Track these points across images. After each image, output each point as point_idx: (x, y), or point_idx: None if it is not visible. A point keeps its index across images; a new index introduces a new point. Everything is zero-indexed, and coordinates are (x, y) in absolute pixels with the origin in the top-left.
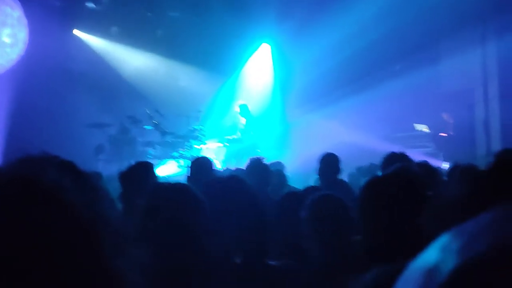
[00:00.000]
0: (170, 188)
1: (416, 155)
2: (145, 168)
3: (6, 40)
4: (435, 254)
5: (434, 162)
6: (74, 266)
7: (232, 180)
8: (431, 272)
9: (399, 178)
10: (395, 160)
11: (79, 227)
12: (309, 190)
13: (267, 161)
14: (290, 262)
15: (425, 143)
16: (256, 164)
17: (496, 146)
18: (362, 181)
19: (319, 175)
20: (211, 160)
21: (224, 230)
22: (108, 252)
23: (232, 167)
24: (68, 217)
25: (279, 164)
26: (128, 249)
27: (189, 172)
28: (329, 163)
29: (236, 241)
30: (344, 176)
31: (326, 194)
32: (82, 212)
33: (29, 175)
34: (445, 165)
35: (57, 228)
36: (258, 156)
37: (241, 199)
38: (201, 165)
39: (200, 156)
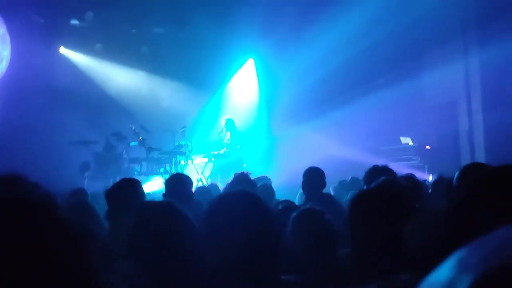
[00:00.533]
0: (155, 205)
1: (402, 168)
2: (131, 185)
3: None
4: (450, 269)
5: (419, 174)
6: (63, 279)
7: (245, 194)
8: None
9: (385, 191)
10: (378, 173)
11: (67, 243)
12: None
13: (253, 175)
14: (297, 277)
15: (410, 156)
16: (241, 179)
17: (480, 157)
18: (345, 195)
19: (303, 189)
20: (187, 176)
21: (229, 245)
22: (96, 266)
23: (218, 182)
24: (57, 233)
25: (265, 178)
26: (116, 263)
27: (165, 189)
28: (313, 177)
29: (247, 256)
30: (330, 190)
31: (307, 209)
32: (71, 228)
33: (20, 193)
34: (431, 178)
35: (46, 243)
36: (242, 171)
37: (252, 213)
38: (177, 181)
39: (176, 173)
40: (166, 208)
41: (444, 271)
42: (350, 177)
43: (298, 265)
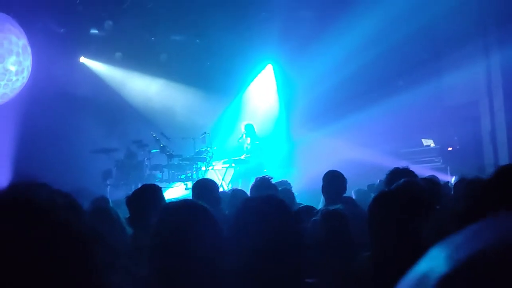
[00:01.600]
0: (180, 203)
1: (424, 170)
2: (152, 191)
3: (12, 68)
4: (426, 263)
5: (442, 176)
6: (67, 280)
7: (271, 199)
8: (421, 280)
9: (405, 192)
10: (399, 175)
11: (71, 244)
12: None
13: (273, 180)
14: (318, 281)
15: (433, 157)
16: (263, 183)
17: (504, 157)
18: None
19: (323, 193)
20: (213, 181)
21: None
22: (101, 267)
23: (239, 187)
24: (60, 234)
25: (285, 183)
26: (123, 264)
27: (192, 194)
28: (333, 181)
29: (274, 259)
30: (351, 194)
31: (327, 212)
32: (75, 230)
33: (24, 196)
34: (453, 179)
35: (50, 245)
36: (264, 175)
37: (279, 217)
38: (204, 187)
39: (202, 178)
40: (191, 206)
41: (421, 265)
42: (378, 181)
43: (317, 268)
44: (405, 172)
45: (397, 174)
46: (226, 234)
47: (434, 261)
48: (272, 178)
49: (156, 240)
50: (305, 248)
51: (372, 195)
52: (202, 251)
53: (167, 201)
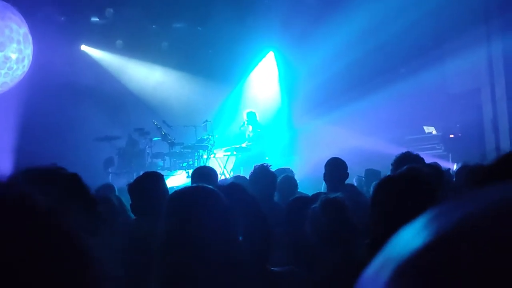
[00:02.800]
0: (191, 190)
1: (426, 157)
2: (154, 178)
3: (12, 56)
4: (384, 253)
5: (443, 163)
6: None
7: (232, 187)
8: (375, 274)
9: (408, 177)
10: (407, 160)
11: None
12: (316, 195)
13: (275, 167)
14: (293, 268)
15: (434, 145)
16: (261, 171)
17: (505, 145)
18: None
19: (325, 180)
20: (212, 168)
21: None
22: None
23: (241, 175)
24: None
25: (287, 170)
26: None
27: (191, 182)
28: (335, 168)
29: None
30: (353, 181)
31: (327, 199)
32: (73, 243)
33: (24, 198)
34: (455, 167)
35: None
36: (262, 163)
37: (243, 206)
38: (203, 174)
39: (201, 165)
40: (200, 191)
41: (380, 254)
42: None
43: (316, 255)
44: (414, 158)
45: (405, 159)
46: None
47: (385, 255)
48: (270, 165)
49: (167, 228)
50: (270, 234)
51: (371, 181)
52: (215, 240)
53: (174, 189)
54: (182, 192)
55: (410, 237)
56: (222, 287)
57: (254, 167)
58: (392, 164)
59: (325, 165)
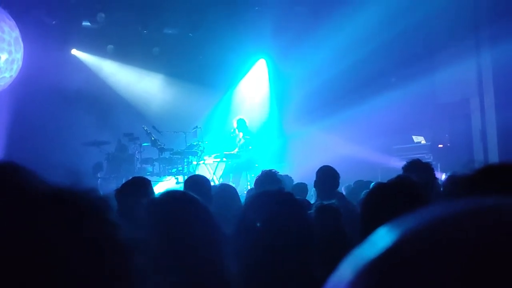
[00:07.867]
0: (169, 196)
1: None
2: (142, 184)
3: (2, 56)
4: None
5: None
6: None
7: (280, 194)
8: (341, 275)
9: (398, 186)
10: (416, 168)
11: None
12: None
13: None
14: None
15: (423, 154)
16: (267, 176)
17: (494, 155)
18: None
19: (315, 187)
20: (205, 177)
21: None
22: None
23: (230, 182)
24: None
25: (287, 177)
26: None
27: (184, 190)
28: (326, 176)
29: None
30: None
31: (323, 205)
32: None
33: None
34: (443, 176)
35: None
36: (270, 169)
37: (289, 212)
38: (195, 183)
39: (194, 174)
40: (180, 198)
41: (349, 256)
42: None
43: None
44: (423, 166)
45: (415, 166)
46: (231, 231)
47: (351, 260)
48: (278, 172)
49: (146, 234)
50: (314, 242)
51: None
52: (200, 248)
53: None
54: (159, 200)
55: (377, 239)
56: None
57: (262, 172)
58: (402, 169)
59: (317, 172)
